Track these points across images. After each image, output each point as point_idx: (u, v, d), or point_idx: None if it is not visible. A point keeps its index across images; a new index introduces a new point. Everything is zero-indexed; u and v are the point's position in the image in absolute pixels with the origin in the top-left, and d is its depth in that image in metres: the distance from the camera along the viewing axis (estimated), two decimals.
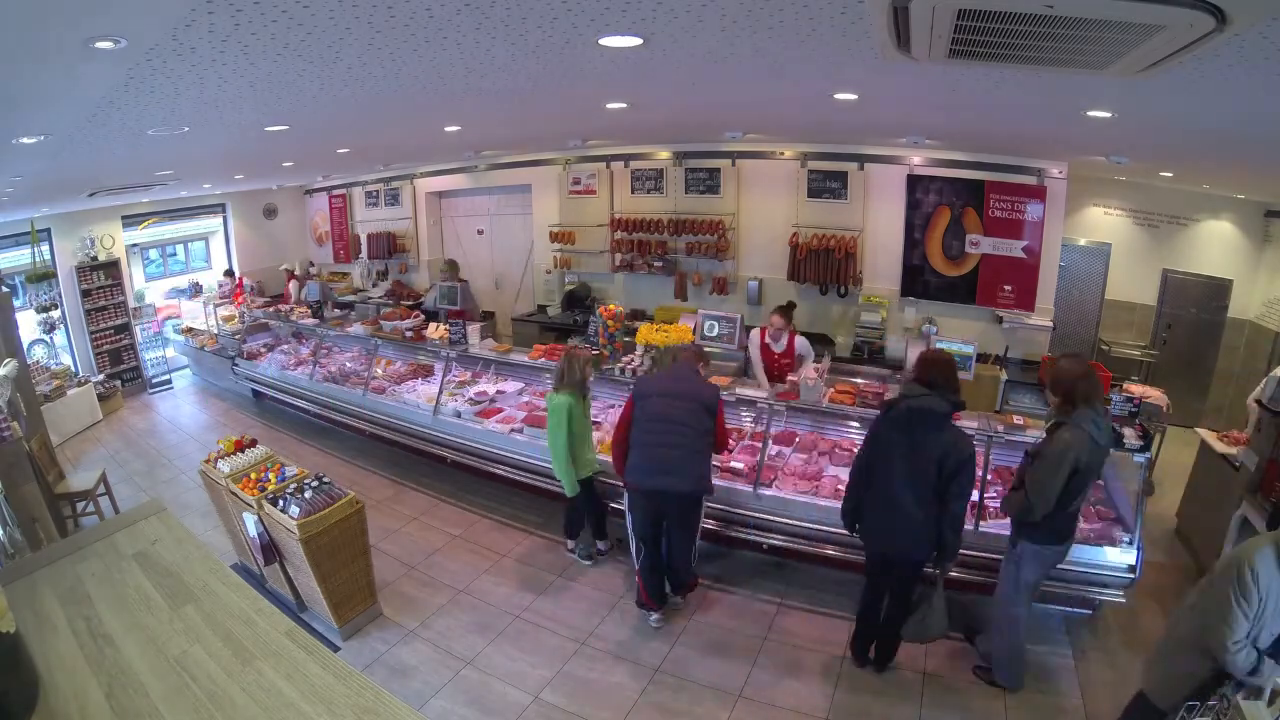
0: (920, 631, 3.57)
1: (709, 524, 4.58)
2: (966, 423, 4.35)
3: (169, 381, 9.81)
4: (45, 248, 8.63)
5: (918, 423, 3.33)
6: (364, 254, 11.51)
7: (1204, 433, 5.24)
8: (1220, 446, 4.91)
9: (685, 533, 4.11)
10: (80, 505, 5.38)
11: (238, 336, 8.65)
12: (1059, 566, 3.88)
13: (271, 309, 8.89)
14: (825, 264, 7.26)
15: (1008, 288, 6.72)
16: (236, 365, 8.31)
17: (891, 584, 3.64)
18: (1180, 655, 2.66)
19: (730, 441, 5.08)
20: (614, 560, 4.89)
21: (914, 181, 6.92)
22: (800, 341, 5.55)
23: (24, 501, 4.08)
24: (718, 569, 4.72)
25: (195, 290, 10.71)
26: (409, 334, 6.79)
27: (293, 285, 10.07)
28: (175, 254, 11.16)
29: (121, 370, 9.54)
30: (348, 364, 7.45)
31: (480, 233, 10.78)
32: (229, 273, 10.95)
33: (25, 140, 3.53)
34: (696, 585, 4.43)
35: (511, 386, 6.32)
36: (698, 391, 4.02)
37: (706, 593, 4.51)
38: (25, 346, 7.07)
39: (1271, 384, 4.41)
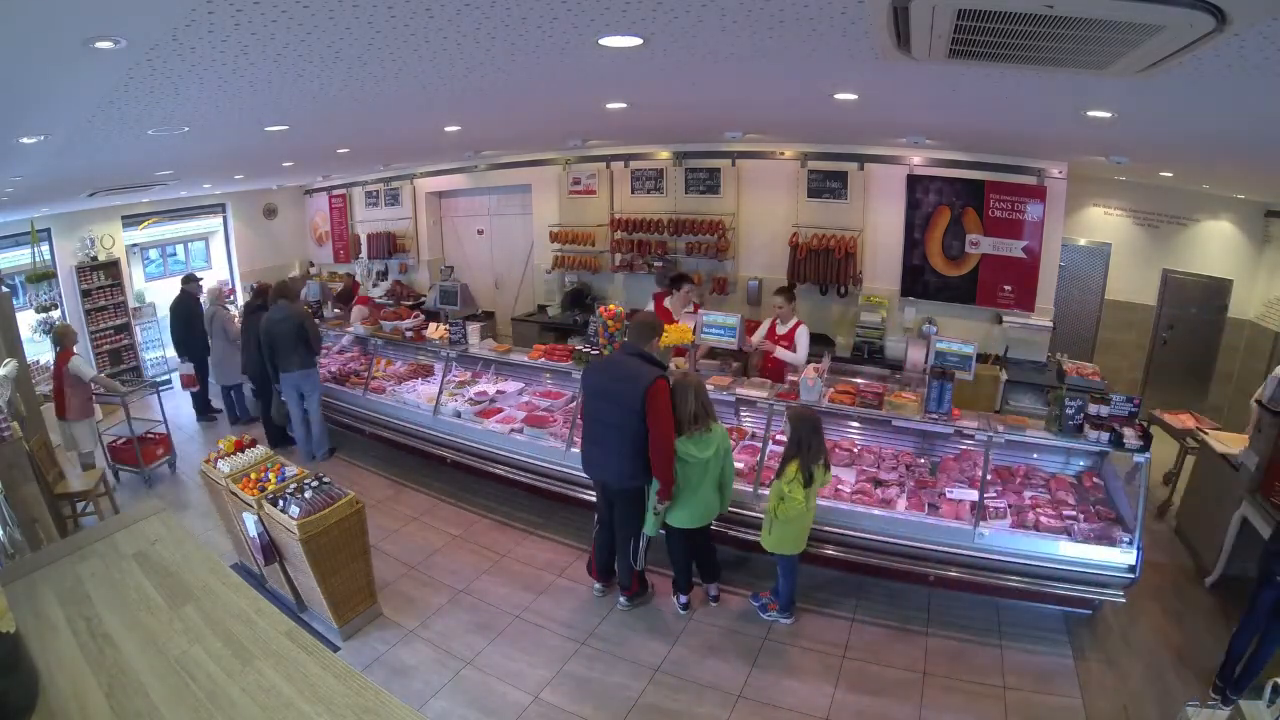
0: None
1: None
2: (967, 423, 4.36)
3: (169, 381, 9.79)
4: (45, 248, 8.63)
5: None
6: (364, 254, 11.51)
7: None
8: (1220, 446, 4.91)
9: (625, 528, 4.16)
10: (80, 505, 5.38)
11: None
12: (1058, 566, 3.90)
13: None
14: (825, 264, 7.26)
15: (1008, 288, 6.72)
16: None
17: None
18: None
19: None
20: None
21: (914, 181, 6.92)
22: (801, 332, 5.50)
23: (24, 501, 4.08)
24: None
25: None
26: (409, 334, 6.79)
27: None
28: (175, 254, 11.16)
29: (121, 370, 9.53)
30: (347, 364, 7.46)
31: (480, 233, 10.78)
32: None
33: (25, 140, 3.53)
34: (636, 592, 4.34)
35: (511, 386, 6.32)
36: (631, 392, 3.85)
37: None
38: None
39: (1271, 384, 4.41)
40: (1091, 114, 3.58)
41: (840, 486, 4.46)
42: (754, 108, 4.89)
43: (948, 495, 4.30)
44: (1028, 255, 6.57)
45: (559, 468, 5.17)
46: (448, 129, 5.51)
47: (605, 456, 4.07)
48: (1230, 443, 4.88)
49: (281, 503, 4.00)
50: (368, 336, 7.23)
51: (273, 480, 4.22)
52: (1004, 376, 6.29)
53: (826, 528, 4.27)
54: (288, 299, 6.46)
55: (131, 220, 9.87)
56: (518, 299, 10.35)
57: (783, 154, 7.52)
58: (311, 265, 12.15)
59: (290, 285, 6.75)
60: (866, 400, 4.60)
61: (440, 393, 6.12)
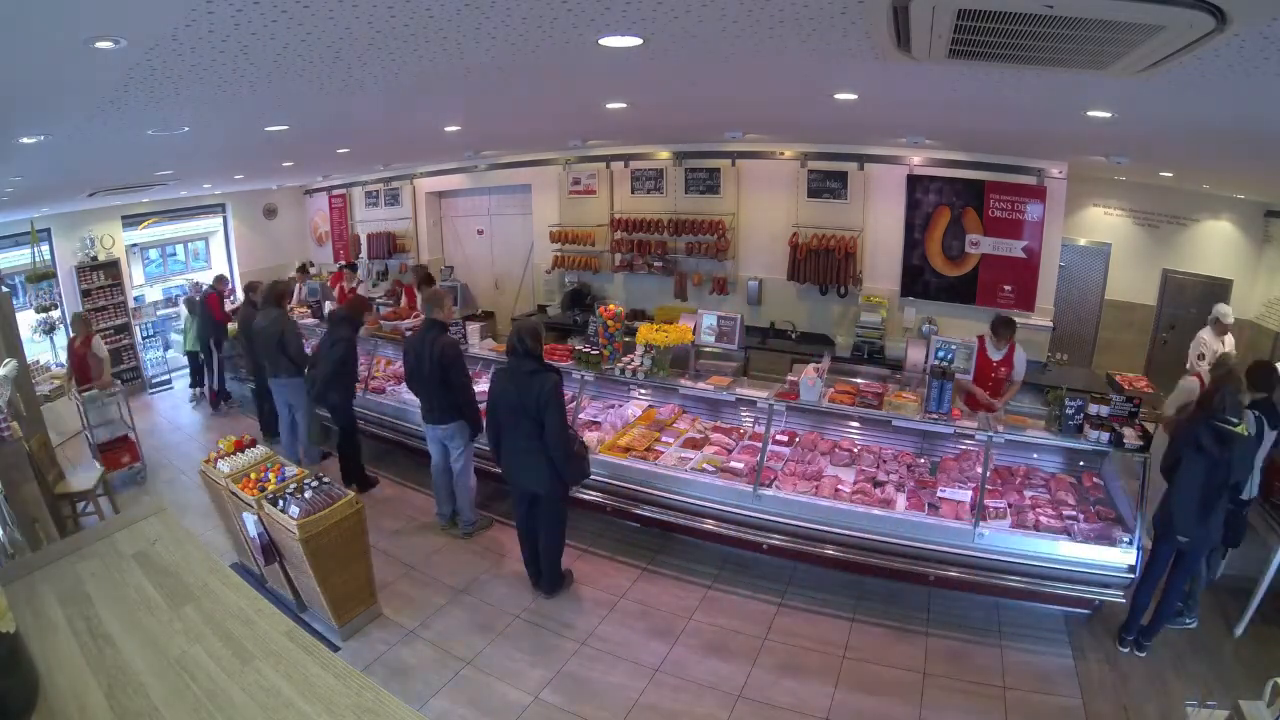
0: None
1: (708, 524, 4.60)
2: (967, 423, 4.36)
3: (169, 382, 9.81)
4: (45, 248, 8.64)
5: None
6: (364, 254, 11.51)
7: None
8: None
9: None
10: (80, 505, 5.37)
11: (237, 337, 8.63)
12: (1058, 566, 3.90)
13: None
14: (825, 264, 7.26)
15: (1007, 288, 6.72)
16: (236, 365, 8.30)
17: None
18: None
19: (729, 441, 5.10)
20: (615, 561, 4.89)
21: (914, 181, 6.92)
22: (1020, 354, 5.21)
23: (24, 501, 4.08)
24: (715, 568, 4.73)
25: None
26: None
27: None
28: (175, 254, 11.16)
29: (121, 370, 9.52)
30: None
31: (480, 233, 10.79)
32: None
33: (25, 140, 3.53)
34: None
35: None
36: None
37: (707, 592, 4.51)
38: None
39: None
40: (1091, 114, 3.58)
41: (840, 486, 4.45)
42: (754, 108, 4.89)
43: (947, 495, 4.30)
44: (1028, 255, 6.57)
45: None
46: (448, 129, 5.52)
47: None
48: None
49: (281, 503, 3.99)
50: (368, 336, 7.22)
51: (273, 480, 4.21)
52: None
53: (826, 528, 4.27)
54: (277, 304, 6.15)
55: (131, 220, 9.88)
56: (518, 299, 10.35)
57: (783, 154, 7.52)
58: (311, 265, 12.14)
59: (278, 287, 6.38)
60: (866, 400, 4.60)
61: None
